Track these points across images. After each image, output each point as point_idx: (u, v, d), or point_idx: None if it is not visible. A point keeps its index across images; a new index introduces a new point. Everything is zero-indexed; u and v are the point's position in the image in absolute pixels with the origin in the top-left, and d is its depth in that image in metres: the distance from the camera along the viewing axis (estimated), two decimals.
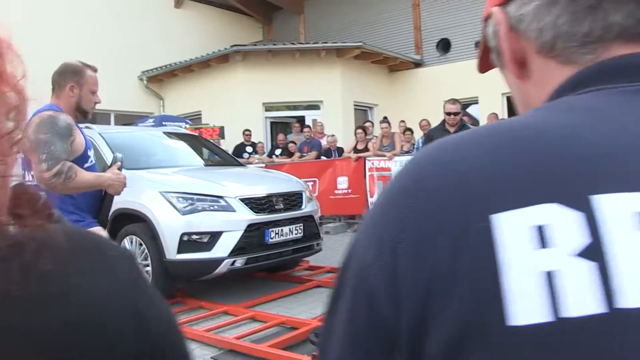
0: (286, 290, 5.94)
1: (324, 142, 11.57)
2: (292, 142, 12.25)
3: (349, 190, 10.25)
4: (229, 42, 14.09)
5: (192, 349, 4.07)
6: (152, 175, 5.84)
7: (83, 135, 3.14)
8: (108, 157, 6.19)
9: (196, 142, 7.71)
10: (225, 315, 5.24)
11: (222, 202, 5.44)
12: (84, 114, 3.18)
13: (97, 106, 3.38)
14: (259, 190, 5.76)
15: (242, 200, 5.51)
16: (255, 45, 14.09)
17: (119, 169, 3.29)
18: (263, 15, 18.33)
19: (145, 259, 5.54)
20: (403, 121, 11.25)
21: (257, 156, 12.23)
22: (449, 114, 6.45)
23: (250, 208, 5.51)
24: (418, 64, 15.25)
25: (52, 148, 2.83)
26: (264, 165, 11.43)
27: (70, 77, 3.11)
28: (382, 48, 14.63)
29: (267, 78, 13.67)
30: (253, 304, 5.47)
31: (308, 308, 5.34)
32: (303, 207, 6.01)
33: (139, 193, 5.65)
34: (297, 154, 11.65)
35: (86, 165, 3.07)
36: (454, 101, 6.53)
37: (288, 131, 13.74)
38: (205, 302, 5.57)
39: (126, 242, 5.74)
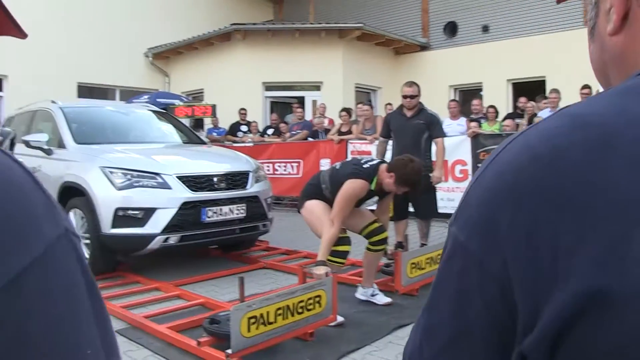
0: (227, 270, 5.94)
1: (325, 123, 11.46)
2: (284, 122, 12.20)
3: None
4: (239, 21, 14.04)
5: None
6: (95, 150, 5.87)
7: None
8: (65, 131, 6.27)
9: (163, 120, 7.72)
10: (156, 291, 5.28)
11: (159, 179, 5.45)
12: None
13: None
14: (199, 169, 5.73)
15: (180, 177, 5.51)
16: (254, 25, 13.97)
17: (11, 145, 3.31)
18: None
19: (86, 232, 5.60)
20: (390, 104, 11.07)
21: (250, 135, 12.21)
22: (405, 97, 6.18)
23: (187, 186, 5.50)
24: (424, 47, 14.98)
25: None
26: (252, 144, 11.41)
27: None
28: (388, 30, 14.41)
29: (268, 57, 13.62)
30: (187, 282, 5.49)
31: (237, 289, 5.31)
32: (248, 187, 5.96)
33: (82, 167, 5.71)
34: (288, 134, 11.60)
35: None
36: (411, 83, 6.23)
37: (288, 111, 13.68)
38: (141, 278, 5.60)
39: (71, 215, 5.80)
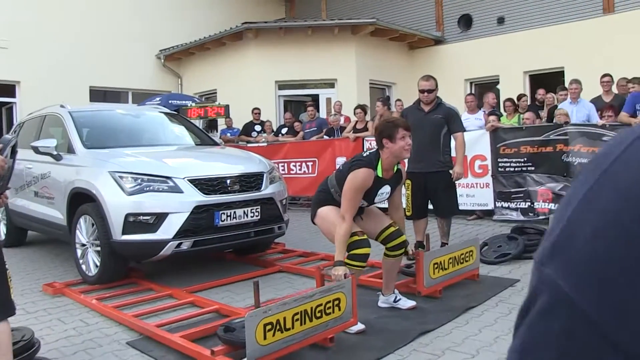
0: (242, 275, 5.77)
1: (342, 121, 11.28)
2: (299, 120, 12.04)
3: None
4: (250, 20, 13.88)
5: (115, 332, 3.97)
6: (104, 155, 5.73)
7: None
8: (74, 136, 6.15)
9: (175, 121, 7.57)
10: (169, 298, 5.13)
11: (170, 183, 5.29)
12: None
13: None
14: (211, 171, 5.56)
15: (192, 181, 5.34)
16: (266, 23, 13.81)
17: (12, 153, 3.18)
18: None
19: (96, 239, 5.46)
20: (399, 100, 10.84)
21: (264, 135, 12.06)
22: (422, 91, 5.97)
23: (199, 189, 5.33)
24: (439, 41, 14.72)
25: None
26: (266, 144, 11.26)
27: None
28: (402, 25, 14.18)
29: (280, 56, 13.46)
30: (201, 288, 5.34)
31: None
32: (262, 188, 5.78)
33: (91, 173, 5.58)
34: (301, 133, 11.44)
35: None
36: (428, 77, 6.02)
37: (302, 110, 13.51)
38: (154, 285, 5.46)
39: (81, 222, 5.67)
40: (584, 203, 0.40)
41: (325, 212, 4.27)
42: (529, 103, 11.08)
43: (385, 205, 4.58)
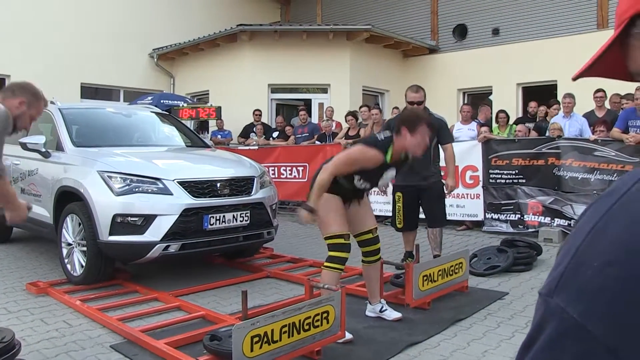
0: (230, 280, 5.72)
1: (333, 127, 11.23)
2: (290, 125, 11.99)
3: None
4: (245, 22, 13.81)
5: (99, 335, 3.89)
6: (93, 154, 5.65)
7: None
8: (63, 133, 6.06)
9: (166, 122, 7.50)
10: (155, 301, 5.06)
11: (159, 185, 5.22)
12: (12, 128, 3.23)
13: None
14: (201, 174, 5.50)
15: (181, 183, 5.28)
16: (261, 26, 13.76)
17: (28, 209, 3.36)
18: None
19: (82, 239, 5.38)
20: (397, 107, 10.81)
21: (255, 137, 12.00)
22: (411, 103, 5.82)
23: (189, 192, 5.27)
24: (433, 50, 14.73)
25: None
26: (257, 147, 11.20)
27: (27, 94, 3.25)
28: (397, 32, 14.18)
29: (274, 59, 13.41)
30: (188, 292, 5.27)
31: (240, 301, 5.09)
32: (253, 193, 5.73)
33: (79, 171, 5.51)
34: (293, 138, 11.40)
35: None
36: (417, 88, 5.89)
37: (294, 114, 13.47)
38: (140, 287, 5.38)
39: (68, 221, 5.59)
40: (593, 236, 0.42)
41: (324, 211, 4.05)
42: (520, 115, 11.11)
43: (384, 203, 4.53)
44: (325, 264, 4.11)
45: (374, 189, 4.72)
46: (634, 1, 0.54)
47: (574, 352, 0.39)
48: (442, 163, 6.05)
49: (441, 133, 5.86)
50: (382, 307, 4.48)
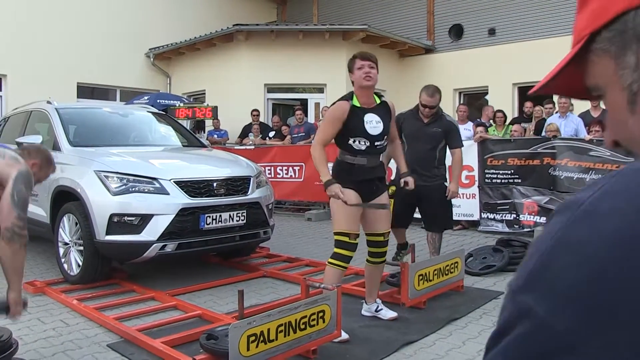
0: (226, 279, 5.73)
1: None
2: (286, 124, 12.01)
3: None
4: (241, 22, 13.81)
5: (96, 334, 3.90)
6: (90, 153, 5.66)
7: None
8: (60, 133, 6.07)
9: (163, 122, 7.51)
10: (152, 301, 5.07)
11: (156, 184, 5.24)
12: None
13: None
14: (197, 174, 5.52)
15: (178, 183, 5.29)
16: (257, 25, 13.77)
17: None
18: None
19: (79, 238, 5.39)
20: None
21: (252, 137, 12.02)
22: (425, 106, 5.59)
23: (185, 192, 5.28)
24: (429, 50, 14.76)
25: (25, 204, 3.36)
26: (253, 147, 11.22)
27: (41, 158, 3.70)
28: (393, 32, 14.21)
29: (270, 59, 13.42)
30: (184, 292, 5.29)
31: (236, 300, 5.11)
32: (249, 193, 5.75)
33: (76, 171, 5.52)
34: (289, 137, 11.41)
35: None
36: (432, 92, 5.56)
37: (291, 114, 13.49)
38: (137, 286, 5.39)
39: (65, 220, 5.60)
40: (561, 236, 0.44)
41: (336, 206, 4.13)
42: (516, 115, 11.14)
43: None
44: (329, 260, 4.16)
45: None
46: (592, 19, 0.56)
47: (539, 349, 0.41)
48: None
49: (450, 137, 5.65)
50: (378, 306, 4.50)
